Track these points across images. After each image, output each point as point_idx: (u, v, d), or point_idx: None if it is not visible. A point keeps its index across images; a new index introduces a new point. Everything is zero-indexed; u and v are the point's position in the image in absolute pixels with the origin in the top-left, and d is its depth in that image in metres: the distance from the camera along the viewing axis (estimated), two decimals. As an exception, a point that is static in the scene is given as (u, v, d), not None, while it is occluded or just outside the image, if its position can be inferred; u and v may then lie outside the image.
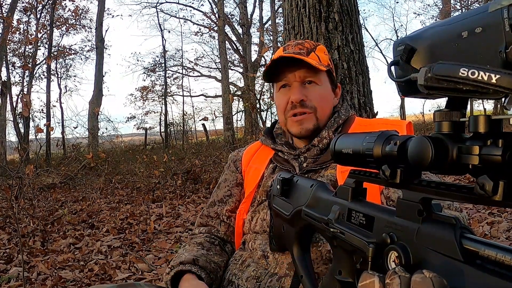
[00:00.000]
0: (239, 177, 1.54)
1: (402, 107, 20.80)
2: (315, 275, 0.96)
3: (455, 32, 0.53)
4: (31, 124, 16.43)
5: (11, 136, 19.63)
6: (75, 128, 23.69)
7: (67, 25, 21.41)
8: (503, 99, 0.47)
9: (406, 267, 0.54)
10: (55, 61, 21.34)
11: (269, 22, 23.23)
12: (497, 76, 0.45)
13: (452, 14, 20.61)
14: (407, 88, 0.62)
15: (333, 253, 0.81)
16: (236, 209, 1.48)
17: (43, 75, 21.08)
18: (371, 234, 0.66)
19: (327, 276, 0.82)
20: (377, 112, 3.09)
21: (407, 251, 0.57)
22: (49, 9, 18.32)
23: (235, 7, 23.14)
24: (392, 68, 0.64)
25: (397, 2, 58.76)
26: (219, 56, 19.92)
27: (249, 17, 21.70)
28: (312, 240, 1.05)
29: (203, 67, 27.76)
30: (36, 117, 20.23)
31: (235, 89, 22.87)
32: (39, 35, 18.61)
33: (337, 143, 0.75)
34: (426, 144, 0.53)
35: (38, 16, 18.83)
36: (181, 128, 23.72)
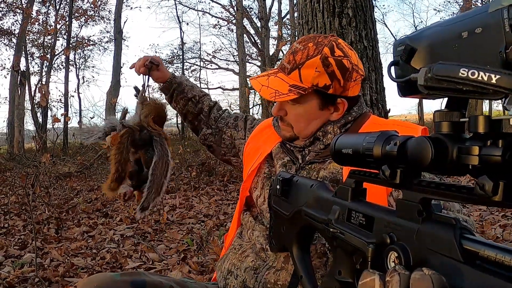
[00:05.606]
0: (243, 142, 1.60)
1: (420, 104, 20.48)
2: (315, 275, 0.95)
3: (455, 32, 0.53)
4: (49, 113, 16.65)
5: (29, 125, 19.89)
6: (92, 118, 23.93)
7: (86, 16, 21.55)
8: (503, 100, 0.47)
9: (406, 267, 0.54)
10: (73, 52, 21.55)
11: (288, 16, 23.15)
12: (497, 76, 0.45)
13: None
14: (407, 88, 0.62)
15: (333, 253, 0.80)
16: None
17: (62, 65, 21.33)
18: (371, 234, 0.65)
19: (327, 276, 0.81)
20: (389, 109, 3.07)
21: (407, 251, 0.57)
22: (68, 1, 18.49)
23: (254, 0, 23.11)
24: (392, 68, 0.64)
25: (418, -2, 57.99)
26: (237, 49, 19.91)
27: (267, 10, 21.61)
28: None
29: (221, 59, 27.84)
30: (54, 106, 20.50)
31: (252, 82, 22.76)
32: (58, 26, 18.79)
33: (337, 142, 0.74)
34: (426, 144, 0.53)
35: (57, 7, 19.05)
36: (197, 120, 23.69)
